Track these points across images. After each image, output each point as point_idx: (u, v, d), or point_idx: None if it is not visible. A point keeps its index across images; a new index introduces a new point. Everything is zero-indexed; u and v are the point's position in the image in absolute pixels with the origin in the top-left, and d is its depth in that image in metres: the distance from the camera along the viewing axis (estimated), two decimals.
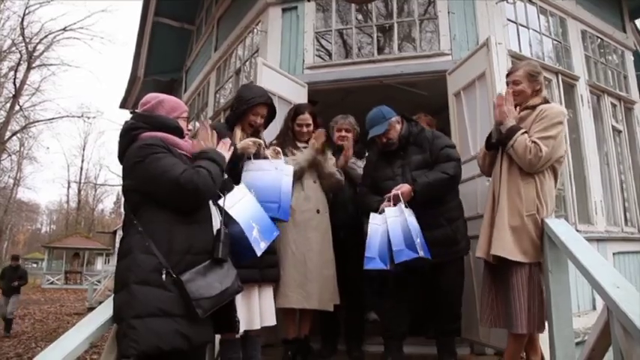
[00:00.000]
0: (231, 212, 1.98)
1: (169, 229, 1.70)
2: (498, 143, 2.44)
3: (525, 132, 2.32)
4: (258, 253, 2.04)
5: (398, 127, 2.90)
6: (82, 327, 1.67)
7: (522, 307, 2.22)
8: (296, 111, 3.11)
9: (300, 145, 3.05)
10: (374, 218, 2.69)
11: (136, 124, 1.87)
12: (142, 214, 1.73)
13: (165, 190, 1.70)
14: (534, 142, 2.27)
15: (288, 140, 3.05)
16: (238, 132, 2.70)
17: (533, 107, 2.41)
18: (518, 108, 2.49)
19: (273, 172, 2.56)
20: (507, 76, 2.57)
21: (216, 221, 1.88)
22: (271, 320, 2.55)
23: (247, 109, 2.67)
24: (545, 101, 2.46)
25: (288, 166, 2.65)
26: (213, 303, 1.68)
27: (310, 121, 3.07)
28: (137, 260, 1.64)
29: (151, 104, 1.94)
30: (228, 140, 2.13)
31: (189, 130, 2.02)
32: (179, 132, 1.91)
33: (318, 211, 2.97)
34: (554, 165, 2.38)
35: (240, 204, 2.08)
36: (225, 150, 2.04)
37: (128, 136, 1.85)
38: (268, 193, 2.46)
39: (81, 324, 1.69)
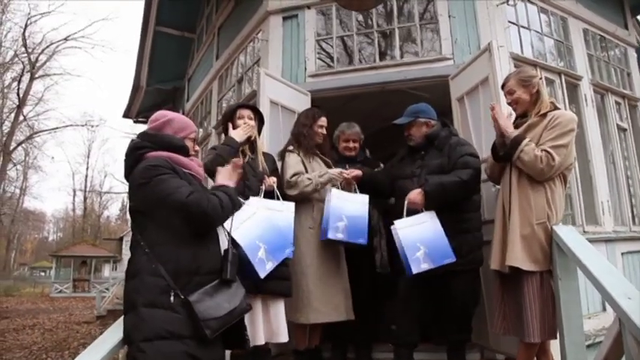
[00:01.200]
0: (234, 235, 1.96)
1: (176, 250, 1.69)
2: (505, 156, 2.43)
3: (530, 141, 2.31)
4: (262, 275, 2.02)
5: (424, 129, 2.94)
6: (93, 351, 1.67)
7: (535, 315, 2.22)
8: (318, 114, 3.13)
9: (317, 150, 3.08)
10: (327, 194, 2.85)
11: (141, 143, 1.87)
12: (148, 235, 1.73)
13: (171, 212, 1.70)
14: (546, 151, 2.25)
15: (310, 143, 3.04)
16: None
17: (544, 114, 2.38)
18: (515, 117, 2.51)
19: (283, 213, 2.62)
20: (502, 87, 2.59)
21: (224, 241, 1.88)
22: (284, 337, 2.55)
23: (231, 117, 2.77)
24: (555, 107, 2.44)
25: (290, 204, 2.71)
26: (222, 323, 1.68)
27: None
28: (145, 282, 1.64)
29: (159, 122, 1.94)
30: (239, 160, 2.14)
31: (195, 151, 2.02)
32: (185, 152, 1.91)
33: None
34: (564, 172, 2.36)
35: (246, 224, 2.07)
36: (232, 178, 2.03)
37: (133, 156, 1.85)
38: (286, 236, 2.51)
39: (92, 347, 1.69)
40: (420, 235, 2.61)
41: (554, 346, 2.39)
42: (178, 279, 1.65)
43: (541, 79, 2.55)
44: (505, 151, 2.40)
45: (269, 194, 2.65)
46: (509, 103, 2.55)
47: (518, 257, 2.25)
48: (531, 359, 2.38)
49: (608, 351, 1.72)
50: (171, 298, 1.63)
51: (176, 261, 1.68)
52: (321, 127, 3.10)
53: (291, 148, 3.03)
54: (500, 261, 2.37)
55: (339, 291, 2.87)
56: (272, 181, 2.69)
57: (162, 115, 1.98)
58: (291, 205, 2.70)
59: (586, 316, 3.41)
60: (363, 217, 2.85)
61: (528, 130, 2.39)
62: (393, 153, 3.30)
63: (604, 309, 3.67)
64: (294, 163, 2.93)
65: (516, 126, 2.48)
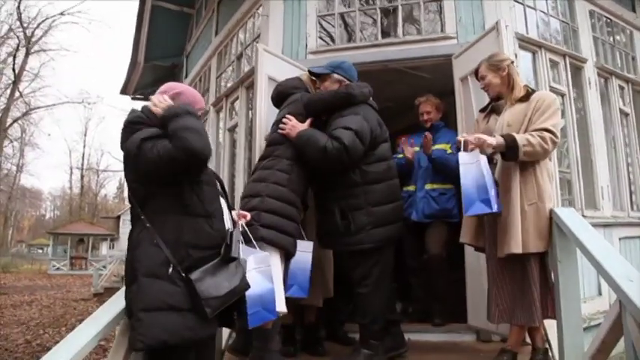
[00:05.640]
0: (247, 275, 1.87)
1: (177, 222, 1.68)
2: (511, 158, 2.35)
3: (518, 134, 2.32)
4: (250, 326, 2.00)
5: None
6: (91, 323, 1.66)
7: (536, 298, 2.25)
8: None
9: None
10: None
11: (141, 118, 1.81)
12: (148, 208, 1.71)
13: (164, 168, 1.65)
14: (547, 131, 2.28)
15: None
16: None
17: (526, 97, 2.44)
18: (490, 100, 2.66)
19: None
20: (475, 74, 2.69)
21: (227, 216, 1.85)
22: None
23: None
24: (529, 90, 2.49)
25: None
26: (222, 302, 1.68)
27: None
28: (146, 253, 1.64)
29: (168, 95, 1.88)
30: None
31: None
32: None
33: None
34: None
35: (261, 273, 2.05)
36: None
37: (130, 129, 1.78)
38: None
39: (89, 321, 1.68)
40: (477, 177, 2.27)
41: (550, 327, 2.41)
42: (177, 251, 1.65)
43: (513, 62, 2.56)
44: (507, 158, 2.35)
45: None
46: (482, 88, 2.62)
47: (517, 244, 2.25)
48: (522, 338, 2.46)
49: (607, 332, 1.72)
50: (170, 270, 1.62)
51: (177, 233, 1.67)
52: None
53: None
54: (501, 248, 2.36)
55: None
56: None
57: (171, 87, 1.93)
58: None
59: (581, 300, 3.42)
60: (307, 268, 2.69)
61: (513, 116, 2.43)
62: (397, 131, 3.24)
63: (599, 293, 3.70)
64: None
65: (492, 109, 2.61)
